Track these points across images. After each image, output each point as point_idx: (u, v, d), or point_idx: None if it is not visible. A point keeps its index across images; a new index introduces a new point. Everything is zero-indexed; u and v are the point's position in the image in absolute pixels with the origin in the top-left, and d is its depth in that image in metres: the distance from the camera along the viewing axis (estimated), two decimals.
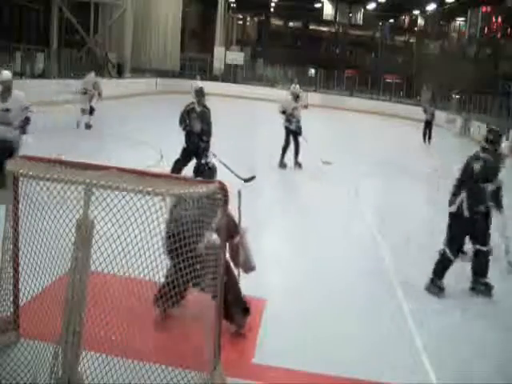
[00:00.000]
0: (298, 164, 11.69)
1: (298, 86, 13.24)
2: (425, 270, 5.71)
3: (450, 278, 5.64)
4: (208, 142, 8.51)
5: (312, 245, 6.80)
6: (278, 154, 11.66)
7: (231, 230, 4.07)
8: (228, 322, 4.13)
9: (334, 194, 9.94)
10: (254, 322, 4.46)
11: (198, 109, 8.52)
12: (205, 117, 8.53)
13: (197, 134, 8.41)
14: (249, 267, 4.49)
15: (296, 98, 11.69)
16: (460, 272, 5.75)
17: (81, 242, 3.06)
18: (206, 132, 8.46)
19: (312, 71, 41.74)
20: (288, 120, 11.59)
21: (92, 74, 15.07)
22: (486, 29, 35.10)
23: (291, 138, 11.64)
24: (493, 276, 5.70)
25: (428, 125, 19.21)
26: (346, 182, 10.95)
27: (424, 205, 9.87)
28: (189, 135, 8.50)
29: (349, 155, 14.24)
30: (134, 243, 3.21)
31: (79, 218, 3.08)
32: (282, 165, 11.68)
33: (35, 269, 3.41)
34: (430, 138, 19.04)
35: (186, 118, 8.48)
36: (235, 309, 4.20)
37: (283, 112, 11.64)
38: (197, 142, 8.40)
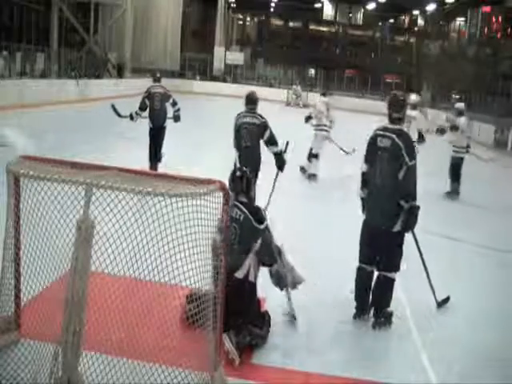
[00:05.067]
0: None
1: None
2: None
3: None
4: None
5: (312, 247, 6.77)
6: None
7: (269, 259, 4.25)
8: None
9: None
10: None
11: None
12: None
13: None
14: (298, 282, 4.52)
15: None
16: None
17: (81, 242, 3.06)
18: None
19: (312, 71, 41.77)
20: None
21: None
22: (486, 29, 35.11)
23: None
24: None
25: None
26: None
27: None
28: None
29: None
30: (134, 243, 3.21)
31: (79, 218, 3.08)
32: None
33: (36, 269, 3.42)
34: None
35: None
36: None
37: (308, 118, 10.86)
38: None
